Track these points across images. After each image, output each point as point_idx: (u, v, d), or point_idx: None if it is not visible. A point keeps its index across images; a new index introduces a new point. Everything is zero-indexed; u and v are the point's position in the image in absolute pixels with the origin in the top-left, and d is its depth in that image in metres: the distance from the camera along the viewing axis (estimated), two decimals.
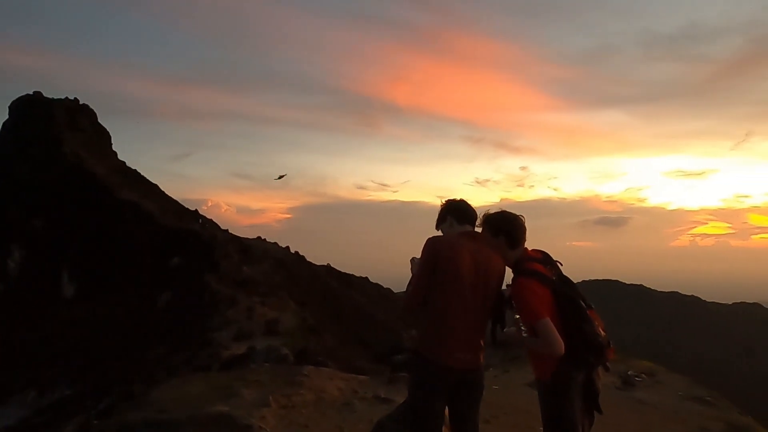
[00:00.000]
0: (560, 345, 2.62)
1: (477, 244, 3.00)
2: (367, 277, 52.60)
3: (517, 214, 3.01)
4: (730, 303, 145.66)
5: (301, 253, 46.04)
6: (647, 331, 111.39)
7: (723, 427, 7.50)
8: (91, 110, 53.03)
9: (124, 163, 50.18)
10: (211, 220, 46.65)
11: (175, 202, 46.59)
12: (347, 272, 50.89)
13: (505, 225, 2.97)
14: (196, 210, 46.18)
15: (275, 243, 47.25)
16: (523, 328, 2.79)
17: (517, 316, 2.82)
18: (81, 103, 52.36)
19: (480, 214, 3.06)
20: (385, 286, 50.21)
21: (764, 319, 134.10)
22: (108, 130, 53.43)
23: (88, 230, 37.83)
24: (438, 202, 3.22)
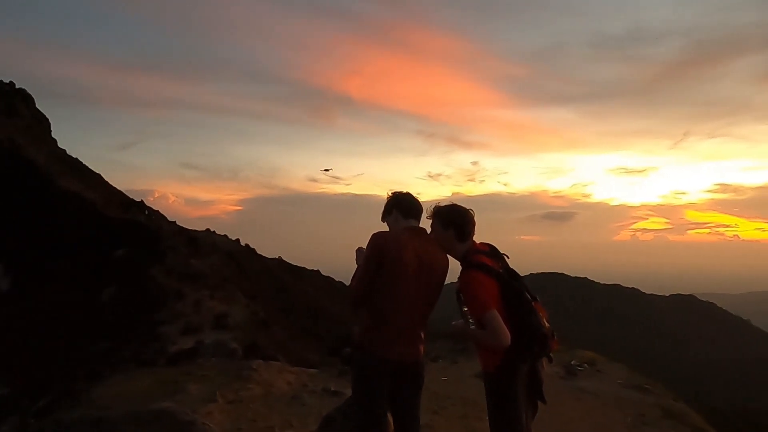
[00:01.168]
0: (507, 337, 2.65)
1: (421, 239, 3.02)
2: (318, 270, 52.33)
3: (467, 207, 3.04)
4: (667, 295, 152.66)
5: (251, 246, 45.35)
6: (590, 322, 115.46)
7: (659, 413, 7.85)
8: (29, 95, 50.53)
9: (65, 151, 48.05)
10: (157, 211, 45.31)
11: (120, 192, 45.01)
12: (299, 265, 50.50)
13: (455, 218, 2.98)
14: (142, 201, 44.73)
15: (225, 235, 46.38)
16: (470, 320, 2.81)
17: (465, 309, 2.85)
18: (17, 87, 49.84)
19: (432, 208, 3.07)
20: (337, 279, 50.10)
21: (698, 311, 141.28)
22: (47, 116, 51.04)
23: (25, 221, 36.09)
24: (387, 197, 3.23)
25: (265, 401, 7.11)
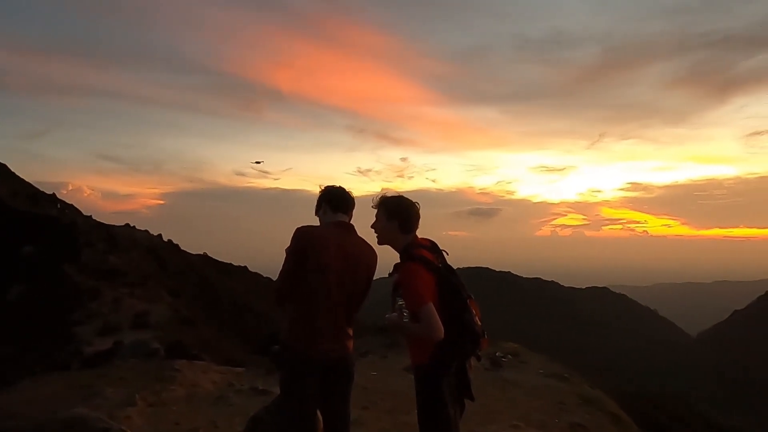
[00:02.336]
0: (440, 331, 2.64)
1: (348, 234, 3.00)
2: (246, 266, 51.21)
3: (414, 201, 3.00)
4: (584, 287, 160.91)
5: (174, 242, 43.74)
6: (514, 315, 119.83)
7: (576, 400, 8.24)
8: None
9: None
10: (71, 205, 42.82)
11: (29, 184, 42.13)
12: (225, 261, 49.22)
13: (401, 210, 2.95)
14: (54, 194, 42.13)
15: (146, 231, 44.45)
16: (405, 313, 2.80)
17: (401, 303, 2.82)
18: None
19: (378, 197, 3.03)
20: (264, 276, 49.22)
21: (612, 302, 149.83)
22: None
23: None
24: (318, 191, 3.18)
25: (189, 402, 6.86)
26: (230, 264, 49.15)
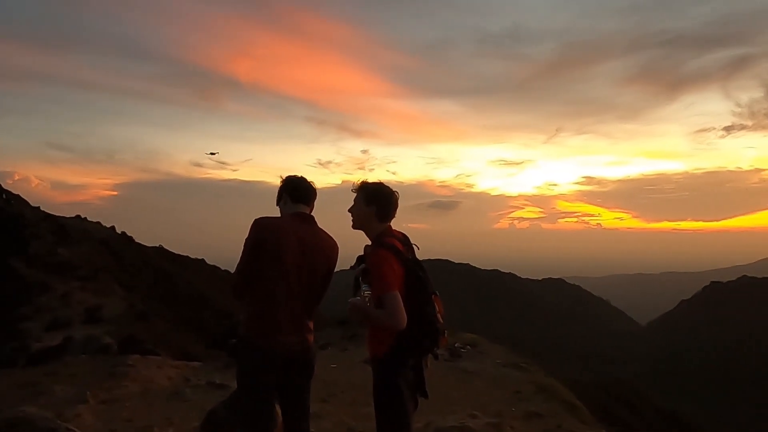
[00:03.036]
0: (403, 319, 2.63)
1: (308, 225, 2.95)
2: (203, 259, 50.26)
3: (394, 190, 2.98)
4: (540, 279, 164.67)
5: (128, 234, 42.55)
6: (473, 305, 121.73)
7: (533, 389, 8.41)
8: None
9: None
10: (18, 195, 41.02)
11: None
12: (182, 254, 48.18)
13: (380, 196, 2.92)
14: None
15: (98, 222, 43.09)
16: (368, 299, 2.76)
17: (368, 292, 2.79)
18: None
19: (359, 182, 2.99)
20: (223, 268, 48.45)
21: (567, 292, 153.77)
22: None
23: None
24: (278, 183, 3.12)
25: (143, 399, 6.68)
26: (187, 256, 48.15)
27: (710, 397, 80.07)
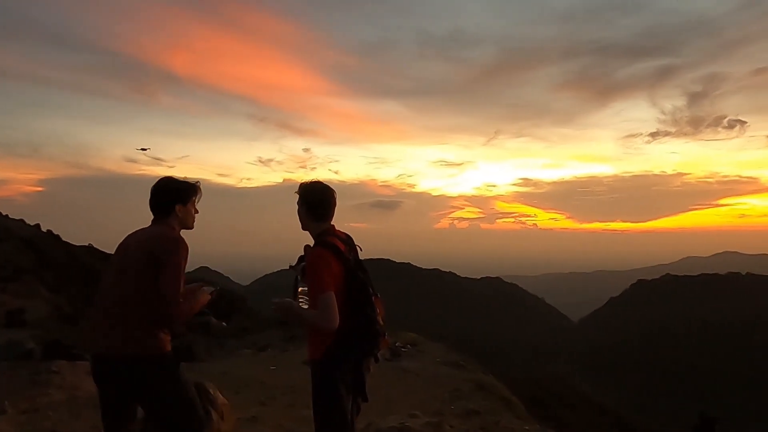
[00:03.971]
0: (335, 321, 2.59)
1: (145, 230, 2.78)
2: None
3: (329, 188, 2.93)
4: (479, 278, 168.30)
5: (55, 232, 40.40)
6: (413, 304, 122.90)
7: (472, 386, 8.58)
8: None
9: None
10: None
11: None
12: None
13: (312, 196, 2.89)
14: None
15: (21, 220, 40.71)
16: (302, 299, 2.74)
17: (300, 289, 2.77)
18: None
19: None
20: None
21: (504, 291, 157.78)
22: None
23: None
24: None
25: (68, 407, 6.32)
26: None
27: (638, 388, 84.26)
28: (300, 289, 2.78)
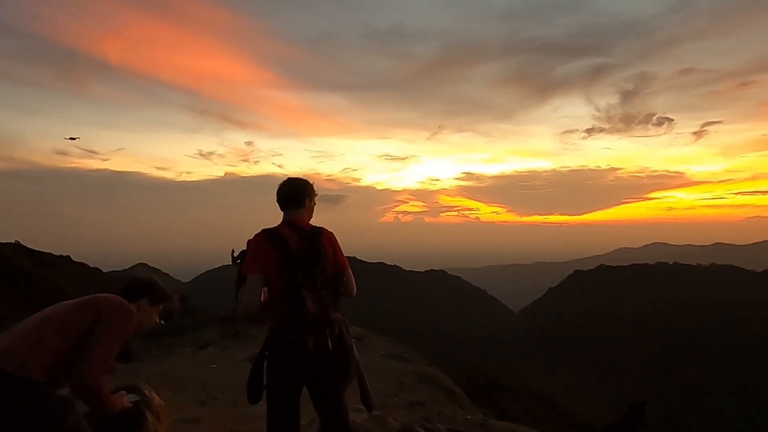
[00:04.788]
0: (251, 303, 2.72)
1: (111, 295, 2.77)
2: (69, 256, 46.21)
3: (284, 180, 3.12)
4: (423, 271, 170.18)
5: None
6: (359, 299, 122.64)
7: (416, 379, 8.66)
8: None
9: None
10: None
11: None
12: (44, 251, 43.94)
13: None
14: None
15: None
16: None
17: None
18: None
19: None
20: (92, 266, 44.88)
21: (448, 284, 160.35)
22: None
23: None
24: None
25: None
26: (50, 254, 43.99)
27: (577, 374, 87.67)
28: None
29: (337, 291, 2.99)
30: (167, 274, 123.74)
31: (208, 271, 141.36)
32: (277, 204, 3.04)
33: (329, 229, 3.10)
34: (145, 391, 4.46)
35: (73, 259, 46.28)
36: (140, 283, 2.78)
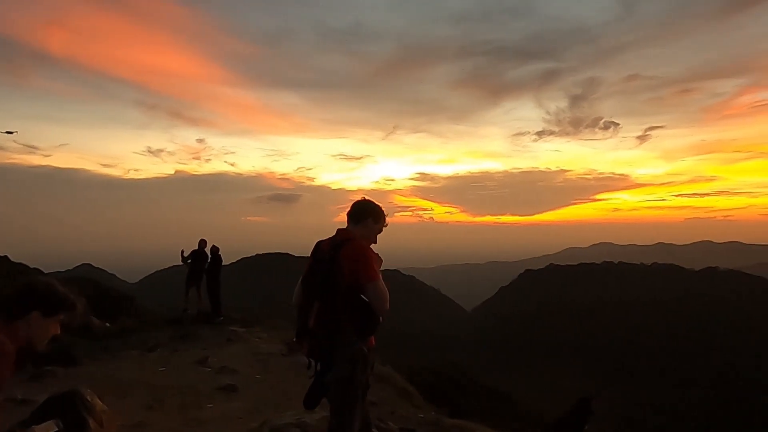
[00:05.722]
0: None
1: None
2: (6, 256, 44.01)
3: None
4: None
5: None
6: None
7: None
8: None
9: None
10: None
11: None
12: None
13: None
14: None
15: None
16: None
17: None
18: None
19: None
20: (31, 266, 42.89)
21: (401, 283, 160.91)
22: None
23: None
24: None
25: None
26: None
27: (528, 370, 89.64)
28: None
29: (354, 306, 2.94)
30: (113, 274, 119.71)
31: (157, 271, 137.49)
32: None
33: (360, 241, 3.17)
34: (88, 397, 4.27)
35: (11, 259, 44.20)
36: (29, 293, 2.14)
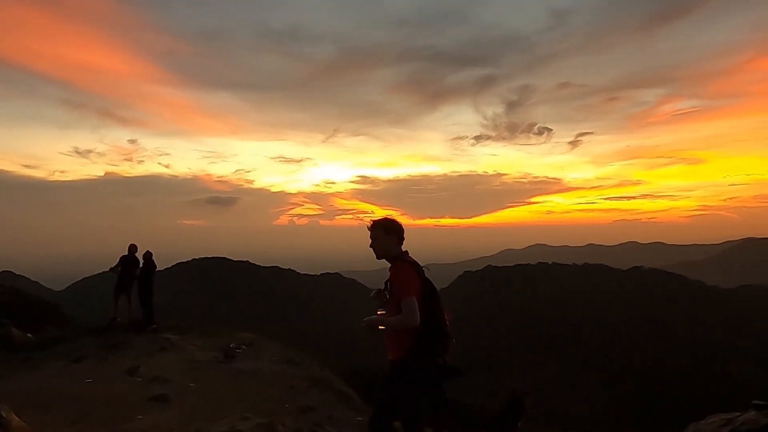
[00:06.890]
0: (417, 319, 3.21)
1: None
2: None
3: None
4: (318, 274, 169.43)
5: None
6: (252, 304, 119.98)
7: (307, 383, 8.59)
8: None
9: None
10: None
11: None
12: None
13: (394, 224, 3.82)
14: None
15: None
16: (380, 312, 3.43)
17: (380, 312, 3.47)
18: None
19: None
20: None
21: (344, 286, 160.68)
22: None
23: None
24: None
25: None
26: None
27: (467, 369, 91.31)
28: (379, 312, 3.48)
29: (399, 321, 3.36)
30: (37, 282, 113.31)
31: (84, 278, 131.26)
32: (400, 237, 3.80)
33: (396, 263, 3.60)
34: (3, 413, 4.03)
35: None
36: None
